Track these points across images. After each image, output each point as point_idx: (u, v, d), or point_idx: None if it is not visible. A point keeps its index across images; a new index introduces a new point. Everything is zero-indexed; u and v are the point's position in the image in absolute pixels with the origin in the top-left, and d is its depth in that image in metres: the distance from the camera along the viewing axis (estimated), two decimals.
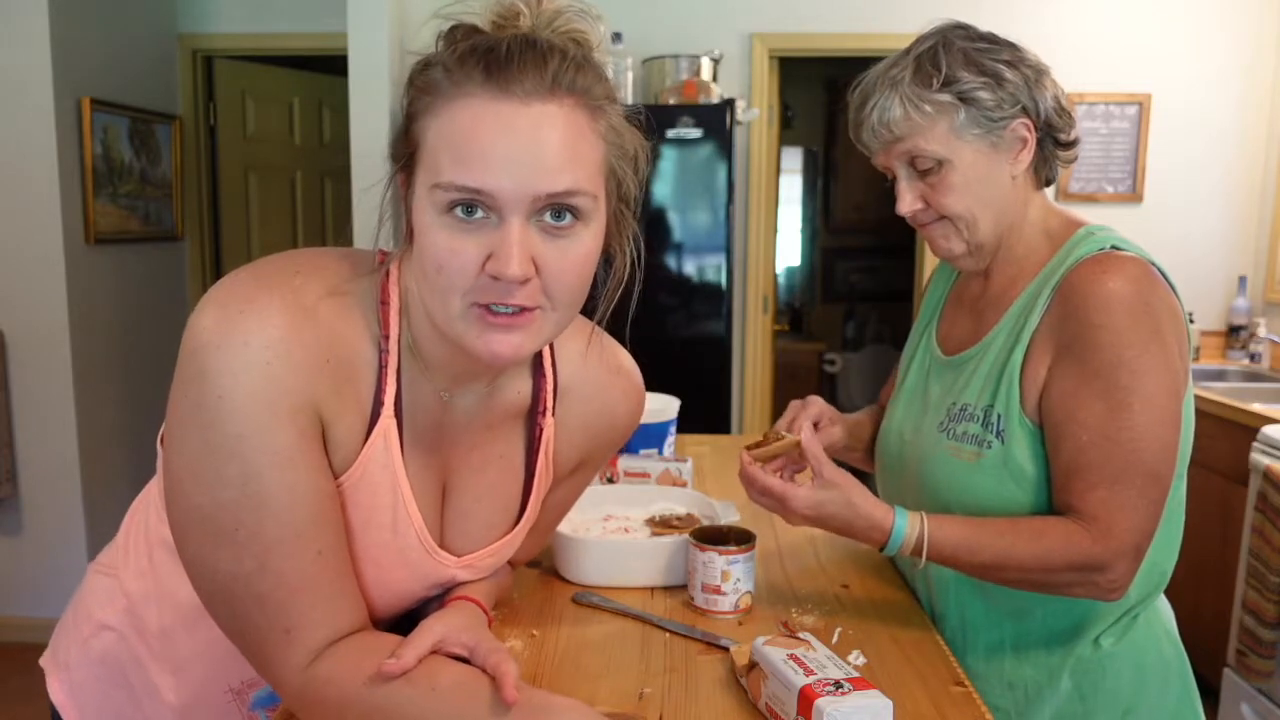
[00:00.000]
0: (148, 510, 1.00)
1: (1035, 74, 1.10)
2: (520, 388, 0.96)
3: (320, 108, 4.37)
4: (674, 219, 3.22)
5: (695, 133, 3.11)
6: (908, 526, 1.07)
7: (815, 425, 1.30)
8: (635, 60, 3.37)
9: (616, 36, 3.28)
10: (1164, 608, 1.21)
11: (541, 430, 0.98)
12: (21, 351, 3.22)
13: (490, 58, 0.75)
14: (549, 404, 0.97)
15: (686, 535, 1.21)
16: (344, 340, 0.81)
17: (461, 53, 0.76)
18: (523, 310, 0.78)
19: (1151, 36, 3.61)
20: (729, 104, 3.13)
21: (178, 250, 3.91)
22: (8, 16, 3.08)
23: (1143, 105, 3.61)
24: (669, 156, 3.16)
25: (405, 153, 0.80)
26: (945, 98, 1.08)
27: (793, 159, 5.85)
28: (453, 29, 0.79)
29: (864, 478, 1.25)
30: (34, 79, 3.11)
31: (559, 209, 0.77)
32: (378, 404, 0.84)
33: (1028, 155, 1.11)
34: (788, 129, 5.10)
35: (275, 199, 4.24)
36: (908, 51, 1.13)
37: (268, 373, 0.75)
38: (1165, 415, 1.03)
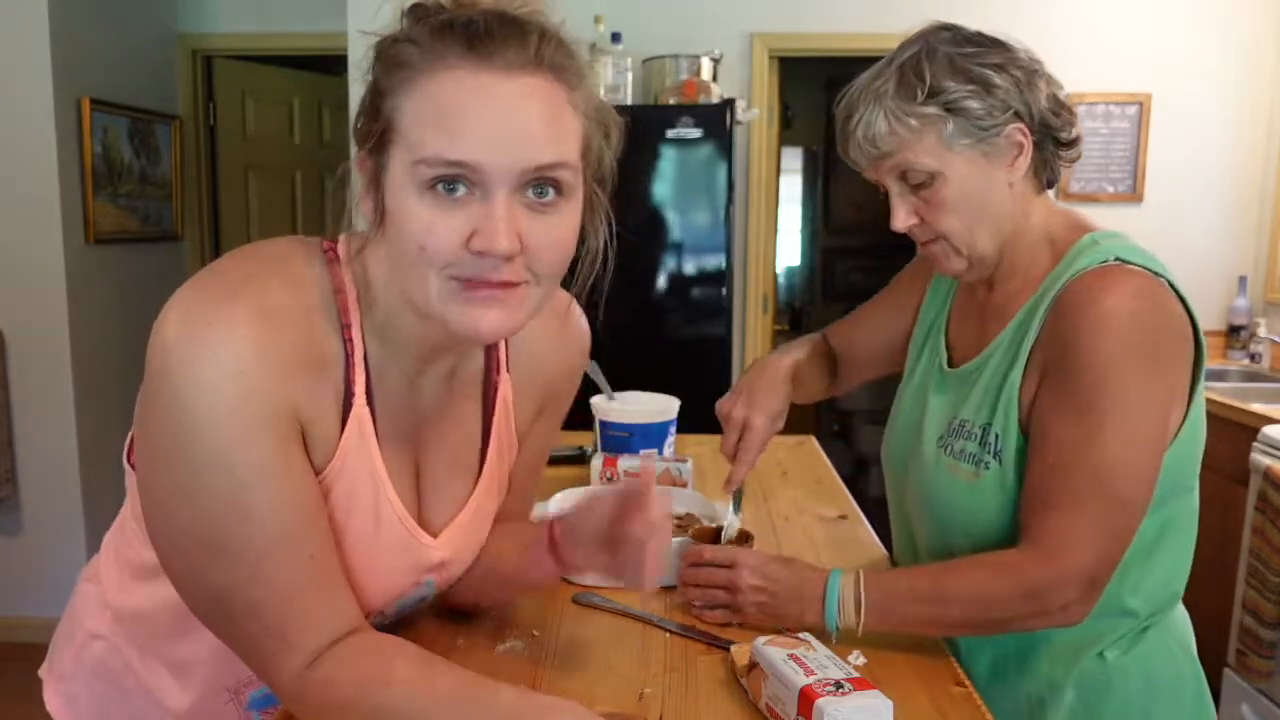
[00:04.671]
0: (123, 534, 0.97)
1: (1027, 75, 1.04)
2: (479, 352, 0.96)
3: (320, 108, 4.37)
4: (674, 219, 3.21)
5: (695, 133, 3.10)
6: (843, 574, 1.06)
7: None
8: (635, 60, 3.36)
9: (616, 36, 3.28)
10: (1180, 621, 1.16)
11: (498, 388, 0.97)
12: (21, 351, 3.22)
13: (470, 30, 0.73)
14: (503, 360, 0.97)
15: (687, 535, 1.21)
16: (311, 337, 0.79)
17: (437, 26, 0.74)
18: (507, 283, 0.76)
19: (1151, 36, 3.60)
20: (729, 104, 3.12)
21: (177, 250, 3.91)
22: (8, 16, 3.08)
23: (1143, 105, 3.61)
24: (669, 156, 3.15)
25: (374, 133, 0.77)
26: (931, 110, 1.02)
27: (793, 159, 5.84)
28: (415, 5, 0.77)
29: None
30: (34, 79, 3.10)
31: (543, 184, 0.75)
32: (349, 395, 0.83)
33: (1025, 161, 1.06)
34: (788, 129, 5.09)
35: (275, 199, 4.24)
36: (891, 60, 1.07)
37: (240, 383, 0.73)
38: (1144, 439, 1.00)
